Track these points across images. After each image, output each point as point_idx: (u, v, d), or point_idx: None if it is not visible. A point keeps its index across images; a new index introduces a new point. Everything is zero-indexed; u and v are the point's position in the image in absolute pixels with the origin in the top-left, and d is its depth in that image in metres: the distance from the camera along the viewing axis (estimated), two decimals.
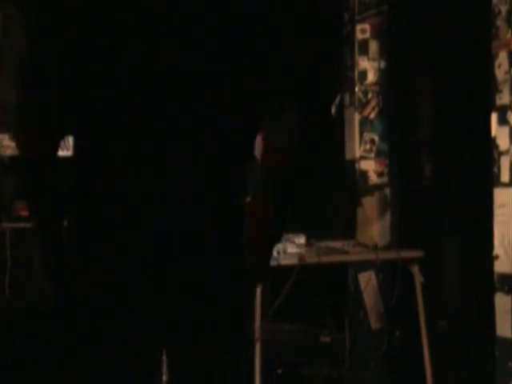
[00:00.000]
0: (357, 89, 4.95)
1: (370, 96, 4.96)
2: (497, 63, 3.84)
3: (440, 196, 5.22)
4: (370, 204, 4.92)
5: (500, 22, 3.83)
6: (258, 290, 3.65)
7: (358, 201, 4.92)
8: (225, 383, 1.80)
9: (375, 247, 4.30)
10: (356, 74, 4.96)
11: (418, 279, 4.15)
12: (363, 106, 4.96)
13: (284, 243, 3.77)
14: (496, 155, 3.84)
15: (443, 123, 5.25)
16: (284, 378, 4.62)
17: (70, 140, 1.75)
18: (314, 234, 4.05)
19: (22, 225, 4.99)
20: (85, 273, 1.64)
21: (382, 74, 4.97)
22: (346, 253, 4.10)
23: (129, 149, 1.56)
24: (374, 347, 4.83)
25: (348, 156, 5.03)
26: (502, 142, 3.82)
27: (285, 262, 3.73)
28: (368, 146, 4.94)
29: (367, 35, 4.95)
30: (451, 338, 4.86)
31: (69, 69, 1.62)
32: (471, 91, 4.81)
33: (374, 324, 4.90)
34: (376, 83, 4.97)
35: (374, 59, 4.96)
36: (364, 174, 4.96)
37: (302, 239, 3.84)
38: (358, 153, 4.96)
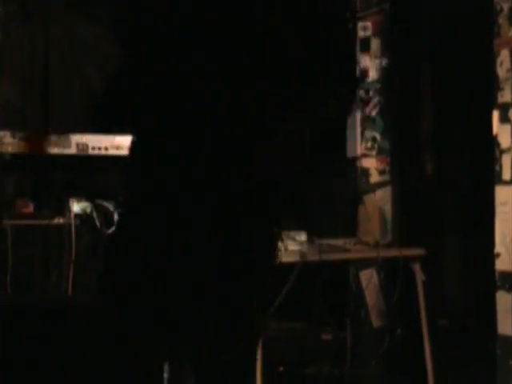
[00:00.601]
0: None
1: (371, 94, 4.96)
2: (498, 61, 3.84)
3: (441, 194, 5.22)
4: (371, 202, 4.92)
5: (502, 20, 3.83)
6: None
7: (360, 199, 4.92)
8: (225, 383, 1.81)
9: (376, 245, 4.30)
10: (358, 71, 4.96)
11: (420, 277, 4.15)
12: (365, 103, 4.96)
13: (285, 240, 3.77)
14: (497, 153, 3.84)
15: (445, 121, 5.25)
16: (285, 376, 4.62)
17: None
18: (315, 232, 4.05)
19: (23, 222, 4.99)
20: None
21: (384, 72, 4.97)
22: (347, 251, 4.10)
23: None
24: (375, 345, 4.83)
25: (349, 154, 5.03)
26: (504, 140, 3.82)
27: (286, 259, 3.73)
28: (369, 144, 4.94)
29: (369, 33, 4.94)
30: (452, 336, 4.86)
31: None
32: (473, 89, 4.81)
33: (376, 322, 4.90)
34: (378, 81, 4.97)
35: (375, 57, 4.96)
36: (365, 172, 4.96)
37: (303, 237, 3.84)
38: (359, 151, 4.96)
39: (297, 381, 4.67)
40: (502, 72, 3.83)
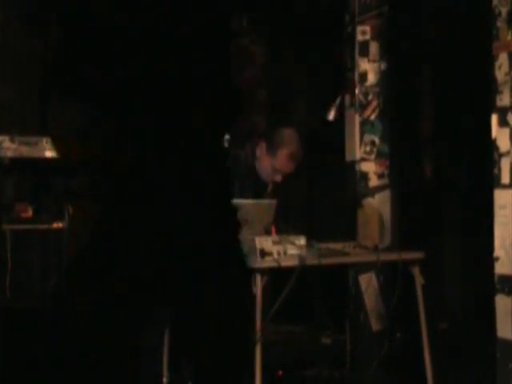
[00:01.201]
0: (357, 90, 4.96)
1: (370, 97, 4.96)
2: (497, 64, 3.84)
3: (440, 197, 5.22)
4: (370, 206, 4.92)
5: (500, 24, 3.83)
6: (259, 292, 3.65)
7: (359, 202, 4.92)
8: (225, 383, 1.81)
9: (376, 249, 4.30)
10: (356, 75, 4.97)
11: (419, 280, 4.15)
12: (364, 107, 4.96)
13: (284, 244, 3.77)
14: (496, 157, 3.84)
15: (444, 124, 5.25)
16: (285, 380, 4.62)
17: None
18: (314, 236, 4.05)
19: (22, 226, 4.99)
20: (85, 272, 1.65)
21: (383, 76, 4.97)
22: (346, 254, 4.10)
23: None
24: (374, 349, 4.83)
25: (348, 157, 5.03)
26: (503, 144, 3.82)
27: (285, 263, 3.73)
28: (368, 148, 4.94)
29: (368, 37, 4.95)
30: (452, 339, 4.86)
31: None
32: (471, 92, 4.81)
33: (375, 325, 4.90)
34: (376, 85, 4.97)
35: (374, 61, 4.97)
36: (364, 176, 4.96)
37: (302, 240, 3.84)
38: (358, 154, 4.96)
39: None
40: (500, 75, 3.83)
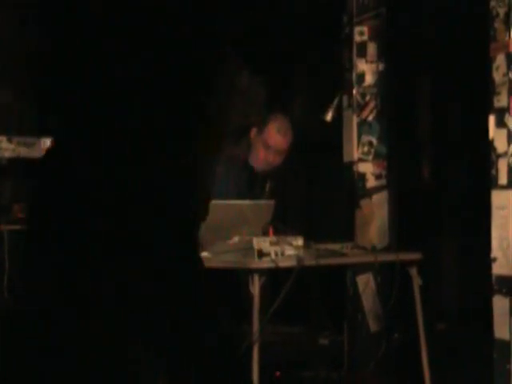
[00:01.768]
0: (355, 91, 4.96)
1: (368, 98, 4.96)
2: (495, 66, 3.84)
3: (438, 198, 5.23)
4: (368, 206, 4.92)
5: (498, 25, 3.83)
6: (257, 292, 3.65)
7: (356, 203, 4.92)
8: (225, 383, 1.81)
9: (373, 249, 4.31)
10: (354, 76, 4.96)
11: (416, 281, 4.15)
12: (361, 108, 4.96)
13: (282, 245, 3.77)
14: (494, 157, 3.84)
15: (441, 125, 5.26)
16: (282, 381, 4.61)
17: None
18: (312, 236, 4.05)
19: (20, 227, 4.98)
20: (83, 274, 1.65)
21: (380, 77, 4.97)
22: (344, 255, 4.10)
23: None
24: (372, 349, 4.83)
25: (346, 158, 5.03)
26: (500, 145, 3.82)
27: (283, 264, 3.73)
28: (366, 149, 4.95)
29: (365, 37, 4.95)
30: (449, 340, 4.87)
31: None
32: (469, 93, 4.82)
33: (373, 326, 4.90)
34: (374, 85, 4.97)
35: (372, 61, 4.96)
36: (362, 177, 4.96)
37: (300, 241, 3.84)
38: (356, 155, 4.96)
39: None
40: (497, 76, 3.83)
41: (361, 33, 4.94)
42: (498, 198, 3.81)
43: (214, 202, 3.66)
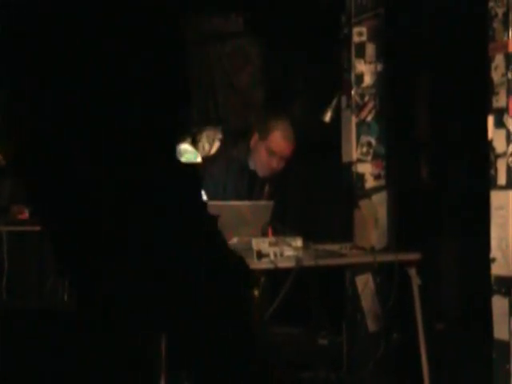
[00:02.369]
0: (353, 92, 4.95)
1: (366, 99, 4.96)
2: (493, 66, 3.84)
3: (437, 198, 5.23)
4: (366, 207, 4.92)
5: (496, 25, 3.83)
6: (256, 293, 3.65)
7: (355, 204, 4.92)
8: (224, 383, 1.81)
9: (372, 250, 4.30)
10: (353, 76, 4.96)
11: (415, 282, 4.15)
12: (360, 108, 4.96)
13: (281, 246, 3.77)
14: (493, 158, 3.84)
15: (440, 125, 5.26)
16: (281, 381, 4.61)
17: None
18: (311, 237, 4.05)
19: (18, 228, 4.98)
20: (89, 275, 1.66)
21: (379, 77, 4.97)
22: (343, 255, 4.10)
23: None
24: (371, 350, 4.83)
25: (345, 159, 5.03)
26: (499, 145, 3.82)
27: (282, 265, 3.73)
28: (365, 149, 4.95)
29: (364, 38, 4.95)
30: (448, 340, 4.87)
31: None
32: (468, 93, 4.82)
33: (372, 326, 4.90)
34: (373, 86, 4.97)
35: (370, 62, 4.96)
36: (361, 177, 4.96)
37: (299, 242, 3.84)
38: (354, 155, 4.96)
39: None
40: (496, 76, 3.84)
41: (359, 33, 4.94)
42: (496, 198, 3.82)
43: (212, 202, 3.66)
